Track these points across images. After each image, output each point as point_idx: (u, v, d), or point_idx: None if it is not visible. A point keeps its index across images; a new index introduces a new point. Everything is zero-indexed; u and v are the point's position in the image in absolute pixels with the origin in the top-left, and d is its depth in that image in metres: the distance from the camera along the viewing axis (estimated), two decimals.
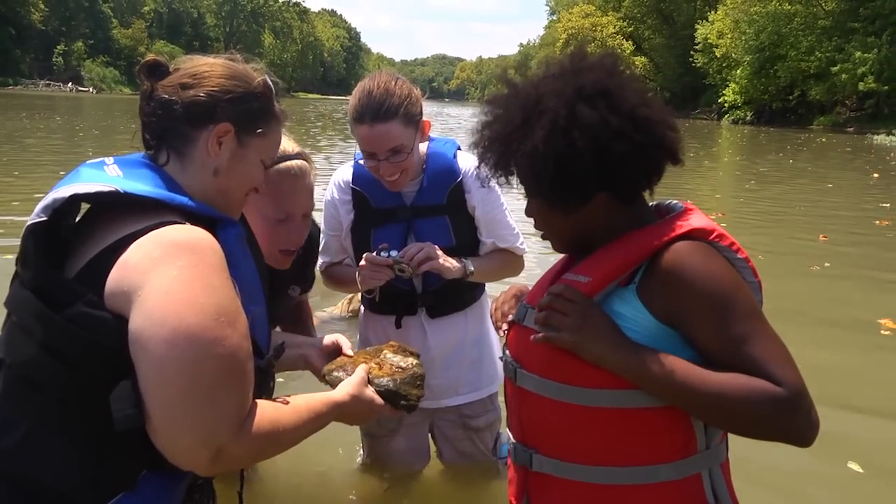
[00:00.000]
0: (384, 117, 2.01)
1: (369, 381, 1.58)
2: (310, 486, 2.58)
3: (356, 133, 2.07)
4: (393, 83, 2.06)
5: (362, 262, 2.09)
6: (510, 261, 2.31)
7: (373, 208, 2.22)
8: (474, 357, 2.34)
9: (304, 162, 2.01)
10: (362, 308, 2.43)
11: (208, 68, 1.39)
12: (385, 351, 1.74)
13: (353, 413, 1.52)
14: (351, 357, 1.76)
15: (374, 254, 2.09)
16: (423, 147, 2.20)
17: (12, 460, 1.22)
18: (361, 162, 2.15)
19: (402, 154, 2.05)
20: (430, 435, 2.50)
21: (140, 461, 1.24)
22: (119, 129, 20.21)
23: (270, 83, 1.44)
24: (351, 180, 2.25)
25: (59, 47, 73.26)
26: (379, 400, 1.57)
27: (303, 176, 1.99)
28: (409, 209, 2.20)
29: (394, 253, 2.08)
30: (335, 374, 1.66)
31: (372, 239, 2.20)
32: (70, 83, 70.55)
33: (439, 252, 2.10)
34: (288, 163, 1.95)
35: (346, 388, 1.51)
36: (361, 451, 2.57)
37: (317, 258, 2.33)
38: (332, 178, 2.31)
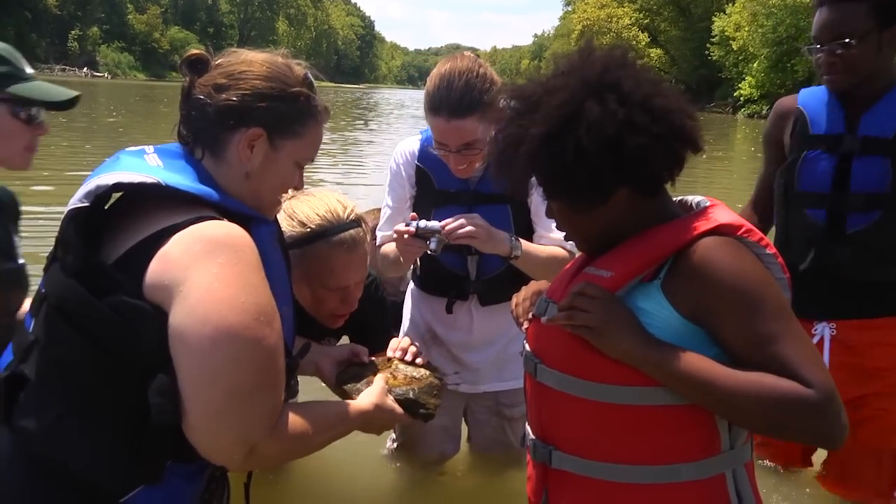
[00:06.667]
0: (462, 113, 1.95)
1: (388, 391, 1.59)
2: (334, 472, 2.54)
3: (430, 122, 2.04)
4: (474, 73, 2.00)
5: (395, 236, 2.01)
6: (559, 256, 2.12)
7: (435, 189, 2.19)
8: (517, 349, 2.27)
9: (359, 228, 1.88)
10: (412, 285, 2.38)
11: (246, 67, 1.37)
12: (395, 362, 1.74)
13: (375, 421, 1.54)
14: (364, 365, 1.75)
15: (404, 225, 2.00)
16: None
17: (42, 444, 1.22)
18: (432, 149, 2.11)
19: (476, 149, 2.01)
20: (463, 420, 2.47)
21: (166, 452, 1.25)
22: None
23: (311, 81, 1.42)
24: (417, 157, 2.22)
25: (74, 32, 73.51)
26: (399, 409, 1.58)
27: (356, 247, 1.86)
28: (472, 194, 2.16)
29: (433, 223, 1.97)
30: (351, 384, 1.67)
31: (432, 219, 2.11)
32: (85, 68, 70.84)
33: (482, 224, 1.96)
34: (341, 235, 1.84)
35: (369, 398, 1.53)
36: (393, 433, 2.53)
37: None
38: (398, 148, 2.28)
